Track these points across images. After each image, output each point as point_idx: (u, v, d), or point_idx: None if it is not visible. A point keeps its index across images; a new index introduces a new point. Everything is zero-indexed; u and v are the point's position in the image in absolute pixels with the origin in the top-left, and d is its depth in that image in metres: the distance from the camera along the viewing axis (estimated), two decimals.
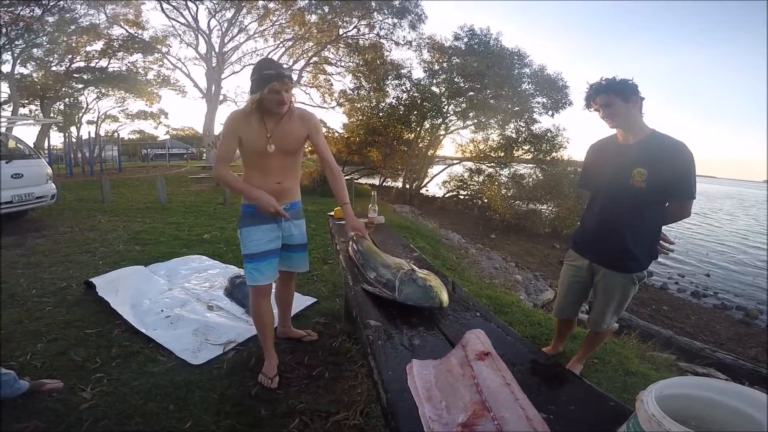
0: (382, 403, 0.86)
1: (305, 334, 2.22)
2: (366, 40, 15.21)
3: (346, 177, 13.04)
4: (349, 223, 1.84)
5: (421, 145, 14.14)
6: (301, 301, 2.63)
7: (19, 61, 14.35)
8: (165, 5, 14.59)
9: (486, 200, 12.29)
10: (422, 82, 13.38)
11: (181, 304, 2.60)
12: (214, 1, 14.73)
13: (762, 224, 19.53)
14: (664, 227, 1.76)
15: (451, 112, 13.59)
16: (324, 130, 16.48)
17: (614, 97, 1.62)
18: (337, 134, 14.87)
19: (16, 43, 13.41)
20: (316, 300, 2.74)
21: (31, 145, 5.68)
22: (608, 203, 1.75)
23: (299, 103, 1.86)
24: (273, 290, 2.01)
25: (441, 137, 14.55)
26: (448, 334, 1.10)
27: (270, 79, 1.54)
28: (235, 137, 1.66)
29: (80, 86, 17.57)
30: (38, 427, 1.50)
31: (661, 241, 1.76)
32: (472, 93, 12.85)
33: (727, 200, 43.32)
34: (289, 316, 2.23)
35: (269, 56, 15.68)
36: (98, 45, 15.54)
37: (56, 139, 22.09)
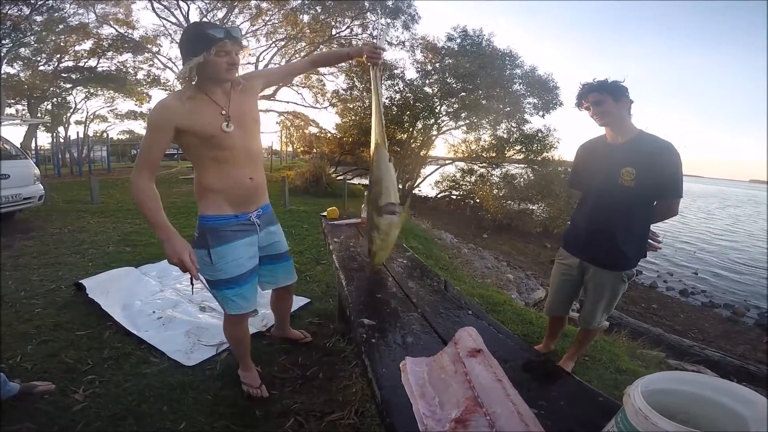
0: (377, 400, 0.87)
1: (302, 336, 2.17)
2: (359, 40, 15.21)
3: (339, 177, 13.03)
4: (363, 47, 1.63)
5: (413, 145, 14.18)
6: (294, 302, 2.62)
7: (5, 60, 14.07)
8: (156, 4, 14.45)
9: (478, 200, 12.38)
10: (415, 83, 13.43)
11: (173, 305, 2.58)
12: (206, 1, 14.63)
13: (741, 223, 19.91)
14: (652, 225, 1.80)
15: (444, 113, 13.66)
16: (316, 130, 16.47)
17: (605, 95, 1.66)
18: (330, 134, 14.85)
19: (3, 42, 13.14)
20: (309, 300, 2.74)
21: (18, 146, 5.59)
22: (598, 202, 1.79)
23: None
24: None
25: (433, 137, 14.62)
26: (440, 332, 1.12)
27: (215, 39, 1.24)
28: (168, 130, 1.29)
29: (68, 86, 17.26)
30: (30, 429, 1.48)
31: (650, 240, 1.80)
32: (464, 93, 12.91)
33: (710, 198, 44.12)
34: (287, 321, 2.15)
35: (260, 55, 15.59)
36: (87, 44, 15.32)
37: (44, 139, 21.71)
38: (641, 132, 1.70)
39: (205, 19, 14.95)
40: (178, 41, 1.32)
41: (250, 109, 1.47)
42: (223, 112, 1.37)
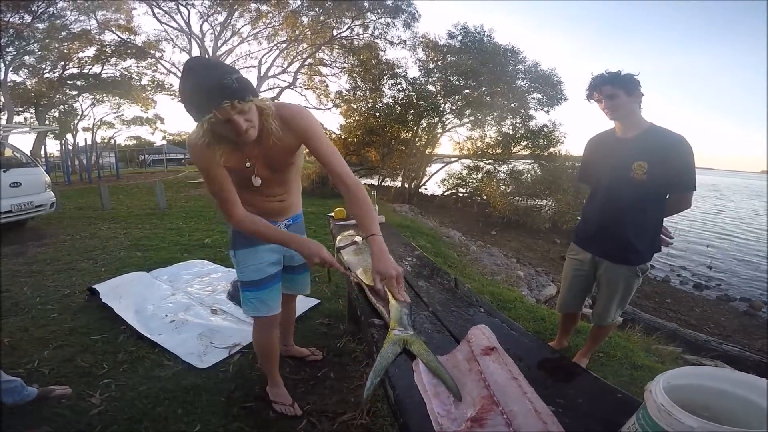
0: (390, 401, 0.86)
1: (309, 353, 2.06)
2: (360, 40, 15.22)
3: None
4: (379, 265, 1.17)
5: (418, 143, 14.16)
6: (304, 303, 2.63)
7: (11, 68, 14.31)
8: (156, 10, 14.57)
9: (485, 197, 12.31)
10: (418, 81, 13.40)
11: (185, 308, 2.61)
12: (206, 5, 14.72)
13: (755, 215, 19.57)
14: (665, 219, 1.77)
15: (448, 110, 13.59)
16: None
17: (618, 89, 1.64)
18: (334, 135, 14.88)
19: (8, 50, 13.36)
20: (319, 301, 2.75)
21: (28, 153, 5.68)
22: (609, 196, 1.76)
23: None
24: None
25: (438, 135, 14.58)
26: (452, 331, 1.11)
27: (211, 104, 1.01)
28: (219, 166, 1.19)
29: (74, 93, 17.50)
30: None
31: (661, 235, 1.77)
32: (467, 91, 12.86)
33: (723, 190, 43.44)
34: (291, 334, 2.06)
35: (262, 57, 15.61)
36: (90, 51, 15.47)
37: (53, 146, 22.05)
38: (652, 125, 1.67)
39: (206, 24, 14.99)
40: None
41: (284, 156, 1.30)
42: (248, 165, 1.26)
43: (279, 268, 1.54)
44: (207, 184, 1.27)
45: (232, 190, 1.25)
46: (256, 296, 1.49)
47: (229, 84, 1.00)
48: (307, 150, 1.35)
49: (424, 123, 13.76)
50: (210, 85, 1.00)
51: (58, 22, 13.67)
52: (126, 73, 16.96)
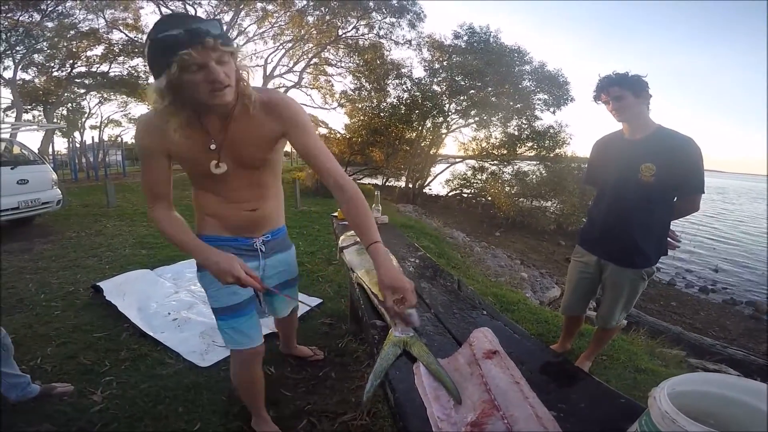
0: (390, 404, 0.86)
1: (311, 353, 2.02)
2: (365, 40, 15.22)
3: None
4: (389, 275, 0.98)
5: (423, 144, 14.14)
6: (307, 302, 2.63)
7: (20, 66, 14.45)
8: (164, 9, 14.65)
9: (490, 198, 12.29)
10: (423, 81, 13.40)
11: (188, 306, 2.61)
12: (213, 4, 14.79)
13: (761, 218, 19.35)
14: (672, 222, 1.75)
15: (453, 111, 13.60)
16: (325, 131, 16.52)
17: (626, 90, 1.62)
18: (339, 135, 14.90)
19: (17, 48, 13.50)
20: (321, 301, 2.74)
21: (36, 151, 5.73)
22: (616, 199, 1.75)
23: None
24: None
25: (443, 136, 14.57)
26: (455, 333, 1.10)
27: (176, 47, 0.82)
28: (161, 156, 1.03)
29: (82, 91, 17.66)
30: (50, 430, 1.51)
31: (669, 238, 1.75)
32: (473, 91, 12.84)
33: (729, 194, 43.00)
34: (293, 338, 1.97)
35: (268, 57, 15.67)
36: (98, 50, 15.59)
37: (60, 144, 22.26)
38: (660, 127, 1.65)
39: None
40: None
41: (257, 144, 1.08)
42: (212, 147, 1.03)
43: (253, 291, 1.28)
44: (142, 173, 1.08)
45: (163, 185, 1.09)
46: (231, 326, 1.24)
47: (209, 24, 0.85)
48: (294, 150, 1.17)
49: (428, 123, 13.76)
50: (186, 25, 0.82)
51: (66, 20, 13.80)
52: (133, 71, 17.08)
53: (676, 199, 1.67)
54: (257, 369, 1.38)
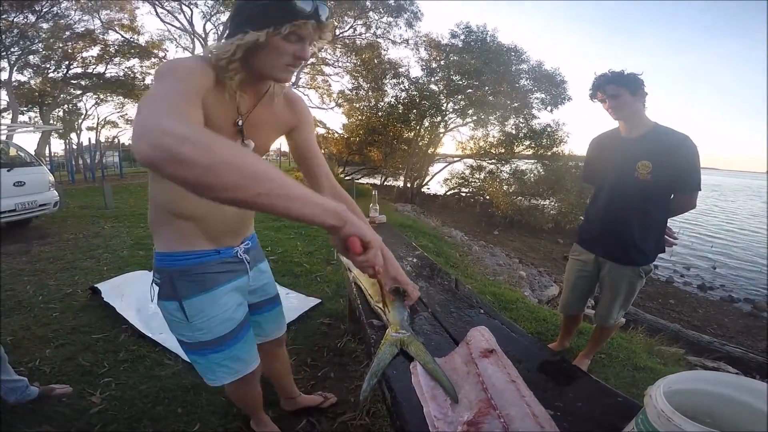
0: (387, 403, 0.86)
1: (323, 399, 1.70)
2: (363, 39, 15.21)
3: (347, 177, 13.03)
4: (392, 269, 1.07)
5: (421, 143, 14.15)
6: (305, 303, 2.63)
7: (15, 68, 14.39)
8: (159, 10, 14.64)
9: (488, 197, 12.30)
10: (420, 81, 13.41)
11: None
12: (209, 5, 14.75)
13: (759, 215, 19.43)
14: (669, 220, 1.76)
15: (450, 110, 13.60)
16: (323, 131, 16.52)
17: (622, 88, 1.63)
18: (337, 135, 14.89)
19: (12, 50, 13.44)
20: (320, 301, 2.74)
21: (32, 153, 5.71)
22: (613, 197, 1.75)
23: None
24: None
25: (441, 135, 14.58)
26: (452, 332, 1.10)
27: (298, 14, 0.77)
28: (198, 94, 0.77)
29: (78, 92, 17.58)
30: (49, 431, 1.51)
31: (666, 236, 1.76)
32: (470, 90, 12.85)
33: (726, 192, 43.18)
34: (292, 385, 1.62)
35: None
36: (94, 51, 15.55)
37: (57, 145, 22.14)
38: (656, 125, 1.66)
39: (209, 24, 15.04)
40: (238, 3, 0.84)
41: (275, 129, 1.05)
42: (240, 123, 0.93)
43: (246, 309, 1.15)
44: (160, 95, 0.69)
45: (185, 106, 0.70)
46: (229, 355, 1.08)
47: (326, 6, 0.81)
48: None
49: (426, 122, 13.77)
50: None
51: (62, 21, 13.74)
52: (130, 72, 17.04)
53: (672, 196, 1.68)
54: (256, 384, 1.27)
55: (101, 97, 18.58)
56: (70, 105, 18.40)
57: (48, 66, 15.50)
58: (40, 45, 14.09)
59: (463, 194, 14.24)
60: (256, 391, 1.32)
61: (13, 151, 5.34)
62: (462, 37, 12.99)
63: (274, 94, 0.99)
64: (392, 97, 13.79)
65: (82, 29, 14.31)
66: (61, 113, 18.41)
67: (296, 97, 1.08)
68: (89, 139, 17.78)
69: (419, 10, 14.28)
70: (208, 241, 1.01)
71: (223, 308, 1.04)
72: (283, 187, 0.59)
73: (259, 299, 1.25)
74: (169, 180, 0.55)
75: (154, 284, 1.01)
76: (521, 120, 13.13)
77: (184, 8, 14.78)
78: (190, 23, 15.24)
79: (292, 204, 0.60)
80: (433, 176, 15.06)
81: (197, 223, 0.97)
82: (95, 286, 2.76)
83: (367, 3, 14.25)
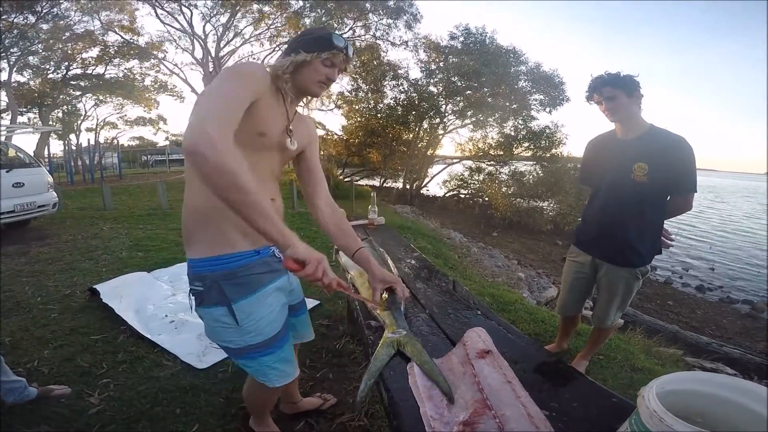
0: (384, 403, 0.87)
1: (322, 402, 1.71)
2: (362, 41, 15.23)
3: (346, 179, 13.02)
4: (379, 273, 1.19)
5: (420, 145, 14.16)
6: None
7: (15, 68, 14.39)
8: (159, 11, 14.63)
9: (487, 198, 12.31)
10: (419, 82, 13.41)
11: (185, 308, 2.61)
12: (209, 6, 14.78)
13: (757, 216, 19.47)
14: (666, 221, 1.76)
15: (449, 112, 13.61)
16: (322, 132, 16.55)
17: (618, 90, 1.63)
18: (336, 136, 14.90)
19: (12, 50, 13.44)
20: (319, 302, 2.75)
21: (31, 154, 5.70)
22: (610, 198, 1.76)
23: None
24: None
25: (440, 137, 14.59)
26: (449, 333, 1.11)
27: (332, 46, 1.03)
28: (252, 95, 0.93)
29: (78, 93, 17.58)
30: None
31: (662, 237, 1.77)
32: (469, 92, 12.86)
33: (723, 193, 43.27)
34: (296, 389, 1.65)
35: (265, 60, 15.72)
36: (94, 51, 15.55)
37: (56, 146, 22.15)
38: (652, 126, 1.67)
39: (208, 25, 15.10)
40: (296, 35, 1.10)
41: (305, 138, 1.20)
42: (290, 128, 1.10)
43: (287, 310, 1.18)
44: (217, 95, 0.87)
45: (237, 115, 0.87)
46: (279, 357, 1.10)
47: (352, 47, 1.11)
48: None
49: (425, 124, 13.78)
50: (340, 38, 1.06)
51: (61, 22, 13.75)
52: (129, 73, 17.06)
53: (669, 198, 1.69)
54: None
55: (100, 98, 18.59)
56: (70, 106, 18.39)
57: (47, 67, 15.51)
58: (39, 46, 14.11)
59: (462, 196, 14.24)
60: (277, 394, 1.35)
61: (12, 152, 5.34)
62: (461, 38, 13.02)
63: (305, 107, 1.20)
64: (391, 98, 13.81)
65: (82, 30, 14.33)
66: (60, 114, 18.40)
67: (309, 118, 1.25)
68: (88, 140, 17.81)
69: (418, 12, 14.32)
70: (247, 242, 1.03)
71: (270, 309, 1.07)
72: (259, 204, 0.82)
73: (295, 301, 1.29)
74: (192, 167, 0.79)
75: (191, 294, 1.03)
76: (520, 121, 13.14)
77: (184, 9, 14.80)
78: (190, 24, 15.26)
79: (260, 219, 0.83)
80: (432, 178, 15.07)
81: (235, 222, 0.97)
82: (94, 287, 2.76)
83: (367, 5, 14.28)
